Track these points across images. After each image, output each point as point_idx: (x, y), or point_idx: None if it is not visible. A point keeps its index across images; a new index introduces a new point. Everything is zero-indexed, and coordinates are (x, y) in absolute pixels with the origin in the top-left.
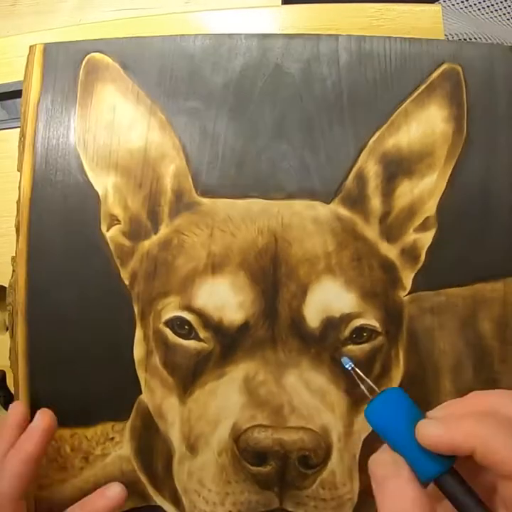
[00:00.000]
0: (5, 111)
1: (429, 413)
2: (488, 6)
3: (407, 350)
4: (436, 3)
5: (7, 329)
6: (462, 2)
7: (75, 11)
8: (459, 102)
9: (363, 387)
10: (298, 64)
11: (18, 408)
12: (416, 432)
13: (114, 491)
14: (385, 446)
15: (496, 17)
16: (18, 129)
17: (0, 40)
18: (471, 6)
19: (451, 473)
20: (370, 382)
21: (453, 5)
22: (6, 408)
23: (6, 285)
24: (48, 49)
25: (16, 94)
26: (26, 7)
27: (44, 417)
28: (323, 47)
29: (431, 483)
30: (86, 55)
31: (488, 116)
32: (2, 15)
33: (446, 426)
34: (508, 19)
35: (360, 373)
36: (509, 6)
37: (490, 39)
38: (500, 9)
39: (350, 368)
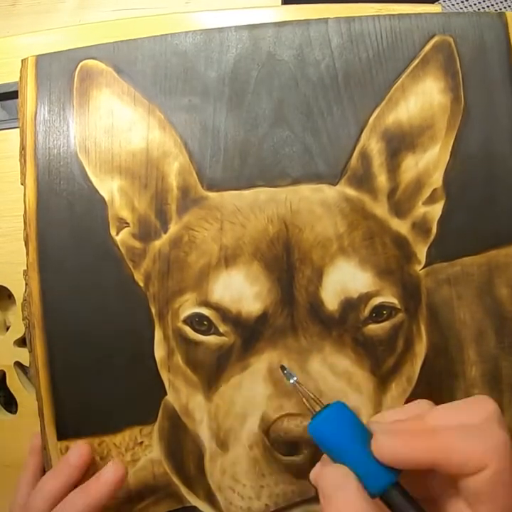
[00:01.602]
0: (5, 111)
1: (371, 425)
2: (488, 6)
3: (428, 323)
4: (436, 3)
5: (7, 329)
6: (462, 2)
7: (75, 11)
8: (453, 73)
9: (306, 402)
10: (290, 50)
11: (82, 449)
12: (373, 446)
13: (107, 476)
14: (324, 459)
15: None
16: (19, 129)
17: (0, 40)
18: (471, 6)
19: (396, 487)
20: (314, 396)
21: (453, 5)
22: (6, 408)
23: (6, 285)
24: (40, 60)
25: (17, 94)
26: (26, 7)
27: (116, 466)
28: (313, 31)
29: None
30: (79, 63)
31: (484, 84)
32: (2, 15)
33: (403, 439)
34: None
35: (305, 389)
36: (509, 6)
37: None
38: (500, 9)
39: (293, 382)
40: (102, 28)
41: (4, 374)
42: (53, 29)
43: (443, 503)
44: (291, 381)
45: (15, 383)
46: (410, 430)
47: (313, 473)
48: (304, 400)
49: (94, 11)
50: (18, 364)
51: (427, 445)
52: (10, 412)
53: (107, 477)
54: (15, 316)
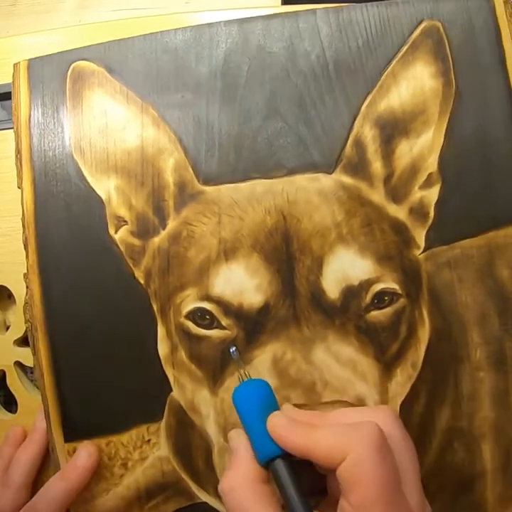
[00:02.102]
0: (5, 111)
1: (282, 406)
2: None
3: (430, 307)
4: None
5: (7, 329)
6: None
7: (75, 11)
8: (443, 57)
9: (240, 374)
10: (280, 43)
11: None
12: (267, 418)
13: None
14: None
15: None
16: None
17: (0, 40)
18: None
19: (285, 461)
20: (244, 370)
21: None
22: (6, 408)
23: (6, 285)
24: (32, 64)
25: None
26: (26, 7)
27: (86, 448)
28: (302, 23)
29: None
30: (70, 65)
31: (474, 67)
32: (2, 15)
33: (291, 424)
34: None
35: (241, 362)
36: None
37: None
38: None
39: (232, 352)
40: (102, 28)
41: (4, 374)
42: (53, 29)
43: (334, 497)
44: (231, 350)
45: (15, 383)
46: (299, 421)
47: (228, 434)
48: (240, 373)
49: (94, 11)
50: (18, 364)
51: (303, 436)
52: (10, 411)
53: (82, 462)
54: (15, 316)
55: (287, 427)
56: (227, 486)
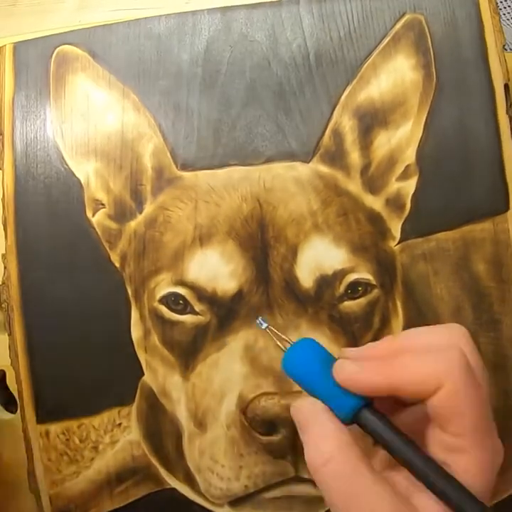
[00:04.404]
0: None
1: (340, 353)
2: None
3: (404, 299)
4: None
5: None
6: None
7: (75, 11)
8: (425, 50)
9: (279, 344)
10: (262, 31)
11: None
12: (333, 371)
13: None
14: (303, 394)
15: None
16: None
17: (0, 40)
18: None
19: (370, 410)
20: (286, 337)
21: None
22: (6, 408)
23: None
24: (18, 47)
25: None
26: (26, 7)
27: None
28: (285, 12)
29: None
30: (55, 49)
31: (456, 61)
32: (2, 15)
33: (362, 365)
34: (508, 19)
35: (275, 331)
36: (509, 6)
37: None
38: (500, 9)
39: (263, 326)
40: None
41: (4, 374)
42: (53, 29)
43: (420, 432)
44: (263, 327)
45: (15, 383)
46: (369, 355)
47: (291, 409)
48: (278, 343)
49: (94, 11)
50: None
51: (383, 373)
52: (10, 411)
53: None
54: None
55: (360, 369)
56: (320, 459)
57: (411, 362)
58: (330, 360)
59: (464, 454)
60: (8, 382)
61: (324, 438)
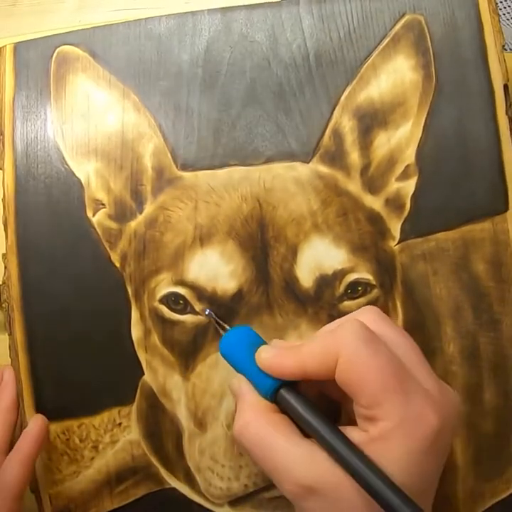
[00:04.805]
0: None
1: (273, 341)
2: None
3: (404, 299)
4: None
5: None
6: None
7: (75, 11)
8: (424, 50)
9: (220, 331)
10: (262, 32)
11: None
12: (255, 356)
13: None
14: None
15: None
16: None
17: (0, 41)
18: None
19: (290, 391)
20: (224, 324)
21: None
22: None
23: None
24: (18, 48)
25: None
26: (26, 7)
27: (36, 420)
28: (285, 13)
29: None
30: (56, 49)
31: (456, 62)
32: (2, 15)
33: (276, 351)
34: (508, 19)
35: (215, 317)
36: (509, 6)
37: None
38: (500, 9)
39: (207, 313)
40: None
41: None
42: (53, 29)
43: (350, 409)
44: (206, 313)
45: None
46: (288, 344)
47: (229, 385)
48: (219, 329)
49: (94, 11)
50: None
51: (292, 357)
52: None
53: (32, 432)
54: None
55: (276, 354)
56: (239, 425)
57: (314, 344)
58: (259, 344)
59: (378, 421)
60: None
61: (244, 408)
